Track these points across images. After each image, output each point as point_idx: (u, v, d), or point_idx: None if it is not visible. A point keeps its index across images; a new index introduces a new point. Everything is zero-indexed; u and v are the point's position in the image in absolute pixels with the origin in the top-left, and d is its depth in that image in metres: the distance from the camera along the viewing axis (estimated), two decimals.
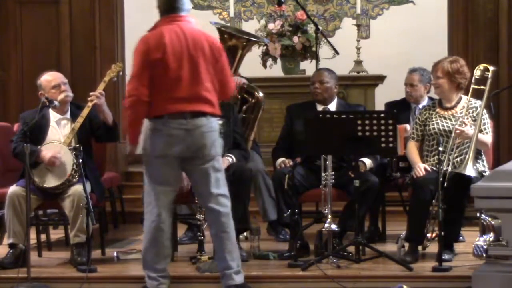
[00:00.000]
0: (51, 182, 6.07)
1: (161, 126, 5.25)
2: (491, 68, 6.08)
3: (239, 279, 5.33)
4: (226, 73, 5.41)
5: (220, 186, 5.36)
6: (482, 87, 6.05)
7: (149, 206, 5.34)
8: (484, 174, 5.95)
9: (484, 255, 4.87)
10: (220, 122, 5.46)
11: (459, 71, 6.09)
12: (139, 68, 5.25)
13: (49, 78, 6.26)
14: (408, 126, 6.60)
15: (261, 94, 6.82)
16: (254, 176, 6.71)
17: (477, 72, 6.08)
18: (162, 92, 5.24)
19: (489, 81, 6.06)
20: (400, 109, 6.76)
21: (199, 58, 5.28)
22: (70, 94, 6.28)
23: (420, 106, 6.87)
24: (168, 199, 5.35)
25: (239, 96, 6.80)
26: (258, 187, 6.72)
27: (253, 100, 6.80)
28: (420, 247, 6.00)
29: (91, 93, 6.15)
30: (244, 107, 6.81)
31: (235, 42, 6.75)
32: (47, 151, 6.04)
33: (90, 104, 6.14)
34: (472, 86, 6.08)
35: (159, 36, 5.27)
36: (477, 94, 6.11)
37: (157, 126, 5.26)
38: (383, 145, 5.80)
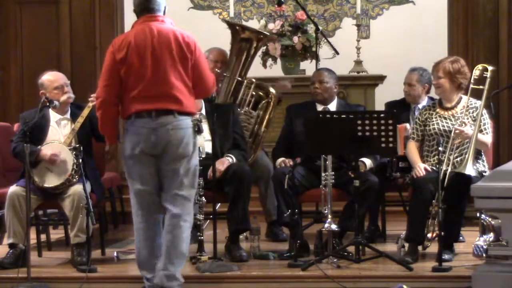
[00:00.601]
0: (51, 182, 6.07)
1: (130, 126, 5.28)
2: (490, 68, 6.08)
3: (167, 283, 5.24)
4: (201, 69, 5.35)
5: (183, 188, 5.29)
6: (481, 87, 6.06)
7: (134, 207, 5.35)
8: (484, 174, 5.95)
9: (484, 255, 4.87)
10: (194, 118, 5.33)
11: (460, 71, 6.09)
12: (106, 69, 5.29)
13: (52, 78, 6.26)
14: (408, 125, 6.59)
15: (274, 92, 6.84)
16: (267, 175, 6.72)
17: (476, 72, 6.08)
18: (129, 91, 5.25)
19: (488, 81, 6.06)
20: (400, 109, 6.76)
21: (165, 55, 5.23)
22: (72, 95, 6.29)
23: (420, 106, 6.86)
24: (150, 199, 5.31)
25: (254, 93, 6.81)
26: (270, 186, 6.71)
27: (270, 96, 6.81)
28: (420, 247, 6.01)
29: (92, 95, 6.15)
30: (260, 105, 6.82)
31: (248, 35, 6.77)
32: (47, 150, 6.04)
33: (90, 104, 6.14)
34: (471, 86, 6.08)
35: (126, 36, 5.31)
36: (477, 94, 6.11)
37: (127, 126, 5.30)
38: (383, 145, 5.80)
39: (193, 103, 5.36)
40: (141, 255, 5.35)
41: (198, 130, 5.33)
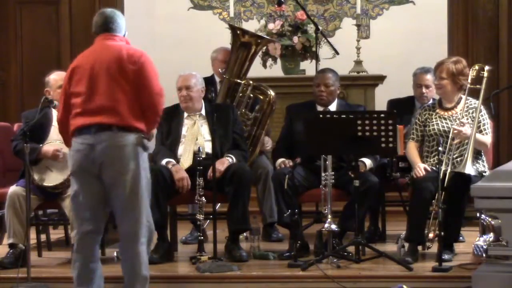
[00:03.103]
0: (51, 181, 6.07)
1: (73, 143, 5.13)
2: (487, 68, 6.07)
3: None
4: (146, 76, 5.08)
5: (129, 210, 5.09)
6: (478, 86, 6.05)
7: (74, 222, 5.24)
8: (484, 174, 5.95)
9: (484, 255, 4.87)
10: (139, 135, 5.06)
11: (462, 72, 6.08)
12: (61, 92, 5.28)
13: (57, 77, 6.27)
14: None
15: (272, 93, 6.82)
16: (264, 177, 6.70)
17: (473, 72, 6.07)
18: (73, 109, 5.13)
19: (484, 80, 6.05)
20: (403, 108, 6.73)
21: (101, 71, 5.06)
22: None
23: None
24: (88, 223, 5.14)
25: (252, 95, 6.81)
26: (268, 188, 6.70)
27: (267, 99, 6.80)
28: (420, 247, 6.01)
29: None
30: (257, 107, 6.81)
31: (248, 39, 6.77)
32: (49, 147, 6.05)
33: None
34: (468, 86, 6.08)
35: (77, 57, 5.27)
36: (474, 94, 6.11)
37: (72, 144, 5.15)
38: (383, 145, 5.81)
39: (138, 117, 5.08)
40: (73, 274, 5.20)
41: (142, 146, 5.08)
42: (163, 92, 5.18)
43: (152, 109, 5.13)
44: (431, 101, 6.81)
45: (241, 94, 6.81)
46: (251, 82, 6.82)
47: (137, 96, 5.07)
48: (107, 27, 5.23)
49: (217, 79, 7.11)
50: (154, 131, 5.40)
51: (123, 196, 5.06)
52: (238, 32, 6.86)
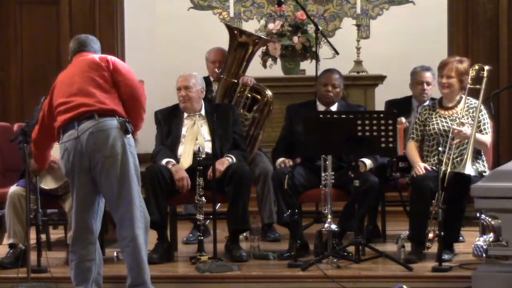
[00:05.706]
0: (49, 184, 6.07)
1: (60, 146, 5.25)
2: (486, 68, 6.07)
3: None
4: (121, 78, 5.22)
5: (126, 189, 5.13)
6: (477, 86, 6.06)
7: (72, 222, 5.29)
8: (484, 174, 5.95)
9: (484, 255, 4.87)
10: (122, 119, 5.17)
11: (467, 71, 6.09)
12: (41, 113, 5.49)
13: None
14: (403, 119, 6.53)
15: (270, 93, 6.82)
16: (264, 177, 6.70)
17: (473, 72, 6.07)
18: (57, 116, 5.26)
19: (484, 80, 6.05)
20: (401, 109, 6.73)
21: (76, 76, 5.24)
22: None
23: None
24: (81, 221, 5.22)
25: (249, 95, 6.81)
26: (268, 188, 6.69)
27: (264, 99, 6.80)
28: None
29: None
30: (255, 107, 6.81)
31: (245, 39, 6.77)
32: None
33: None
34: (468, 85, 6.08)
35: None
36: (474, 94, 6.11)
37: (60, 147, 5.26)
38: (383, 145, 5.81)
39: (118, 105, 5.20)
40: (72, 274, 5.27)
41: (126, 131, 5.14)
42: (140, 83, 5.35)
43: (136, 101, 5.27)
44: (428, 101, 6.81)
45: (238, 95, 6.80)
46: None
47: (114, 90, 5.21)
48: (81, 49, 5.40)
49: (212, 79, 7.10)
50: (137, 136, 5.45)
51: (115, 179, 5.12)
52: (235, 32, 6.85)
